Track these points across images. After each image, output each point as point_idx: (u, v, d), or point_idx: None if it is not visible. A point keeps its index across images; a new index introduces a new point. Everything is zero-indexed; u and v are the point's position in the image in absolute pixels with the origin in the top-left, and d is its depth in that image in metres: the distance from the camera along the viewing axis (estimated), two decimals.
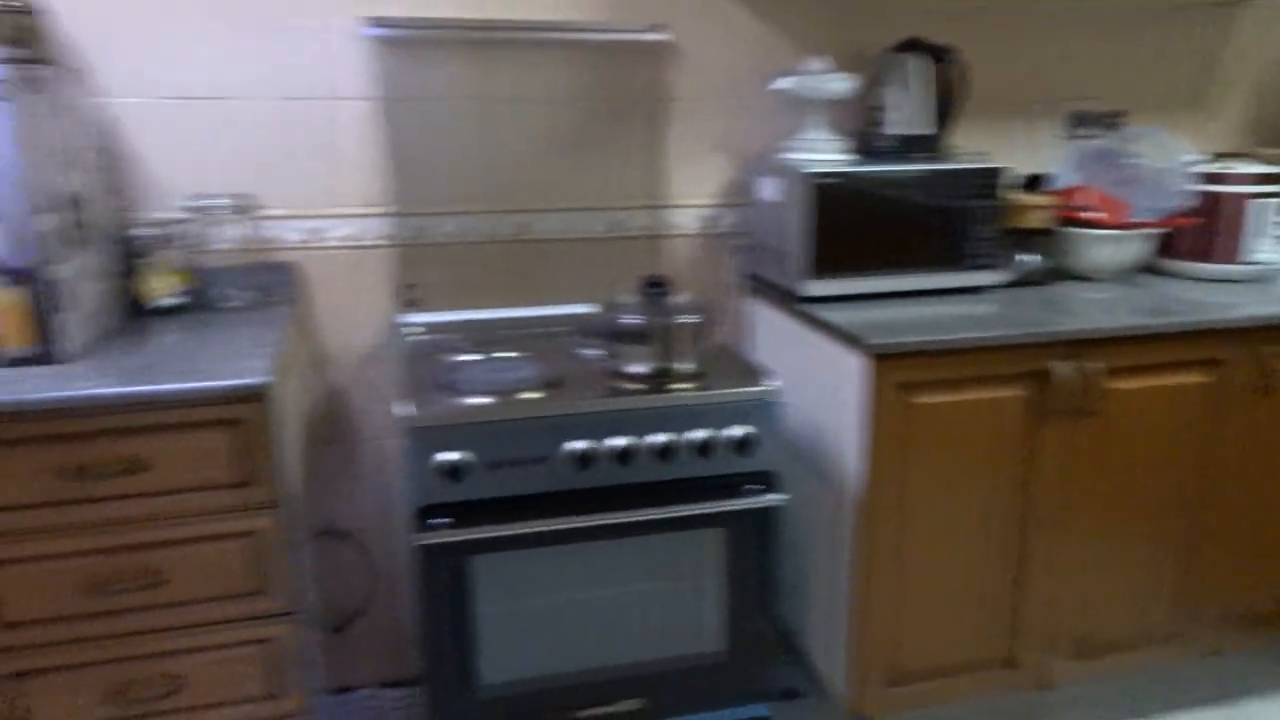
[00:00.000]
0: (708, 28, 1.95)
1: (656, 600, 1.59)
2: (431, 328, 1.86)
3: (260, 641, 1.43)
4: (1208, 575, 1.90)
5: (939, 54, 1.91)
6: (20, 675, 1.34)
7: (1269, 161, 2.03)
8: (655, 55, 1.93)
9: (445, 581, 1.46)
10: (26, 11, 1.39)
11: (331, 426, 1.92)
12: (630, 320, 1.51)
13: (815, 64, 1.84)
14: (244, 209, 1.71)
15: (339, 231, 1.84)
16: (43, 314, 1.36)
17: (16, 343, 1.36)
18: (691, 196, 2.02)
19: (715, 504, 1.54)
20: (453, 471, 1.42)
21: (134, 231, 1.67)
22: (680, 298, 1.57)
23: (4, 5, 1.34)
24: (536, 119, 1.89)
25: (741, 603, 1.63)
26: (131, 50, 1.67)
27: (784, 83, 1.86)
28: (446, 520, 1.43)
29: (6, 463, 1.26)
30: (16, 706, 1.34)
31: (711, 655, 1.64)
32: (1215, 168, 2.01)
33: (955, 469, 1.68)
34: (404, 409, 1.42)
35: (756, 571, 1.62)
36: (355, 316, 1.89)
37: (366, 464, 1.96)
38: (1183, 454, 1.80)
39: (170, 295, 1.69)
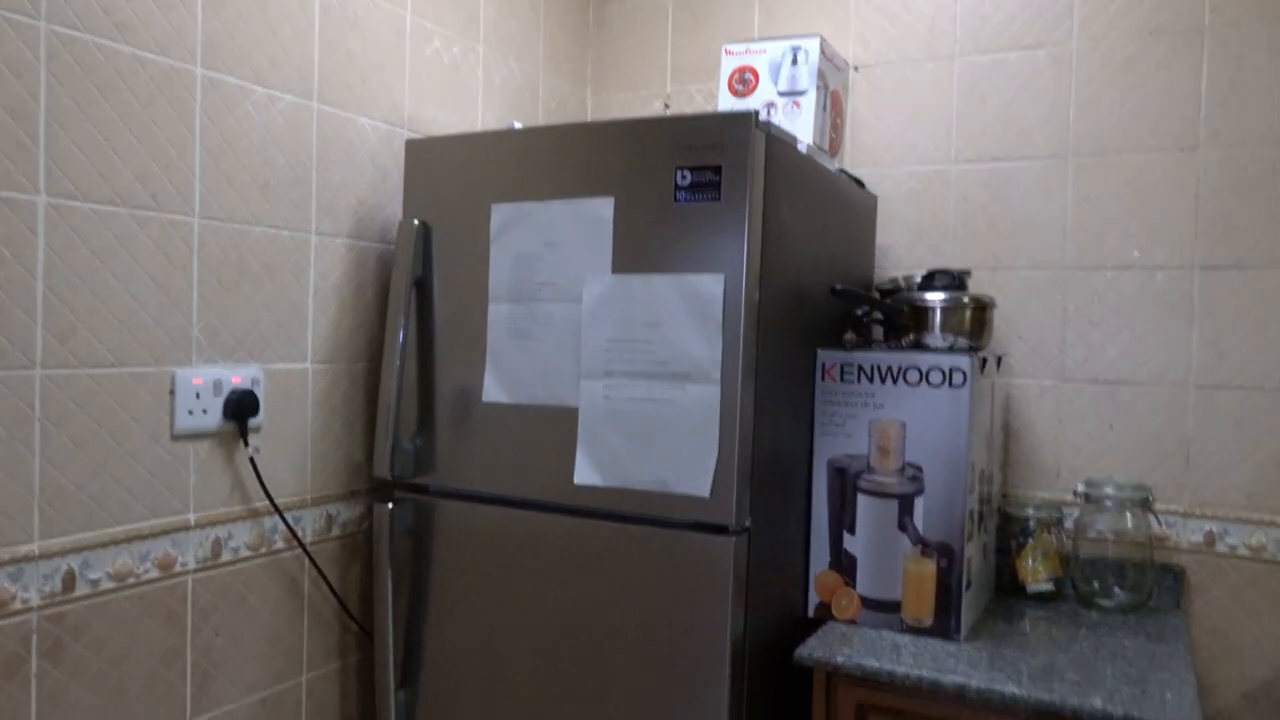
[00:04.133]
0: None
1: None
2: None
3: None
4: None
5: None
6: None
7: None
8: None
9: None
10: (987, 306, 1.52)
11: None
12: None
13: None
14: (1134, 500, 1.58)
15: (1242, 538, 1.58)
16: (948, 590, 1.40)
17: (918, 612, 1.42)
18: None
19: None
20: None
21: (1019, 511, 1.67)
22: None
23: (970, 300, 1.49)
24: None
25: None
26: (1044, 335, 1.73)
27: None
28: None
29: None
30: None
31: None
32: None
33: None
34: None
35: None
36: (1249, 643, 1.58)
37: None
38: None
39: (1044, 582, 1.63)
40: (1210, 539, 1.60)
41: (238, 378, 1.36)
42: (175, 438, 1.29)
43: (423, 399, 1.50)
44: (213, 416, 1.33)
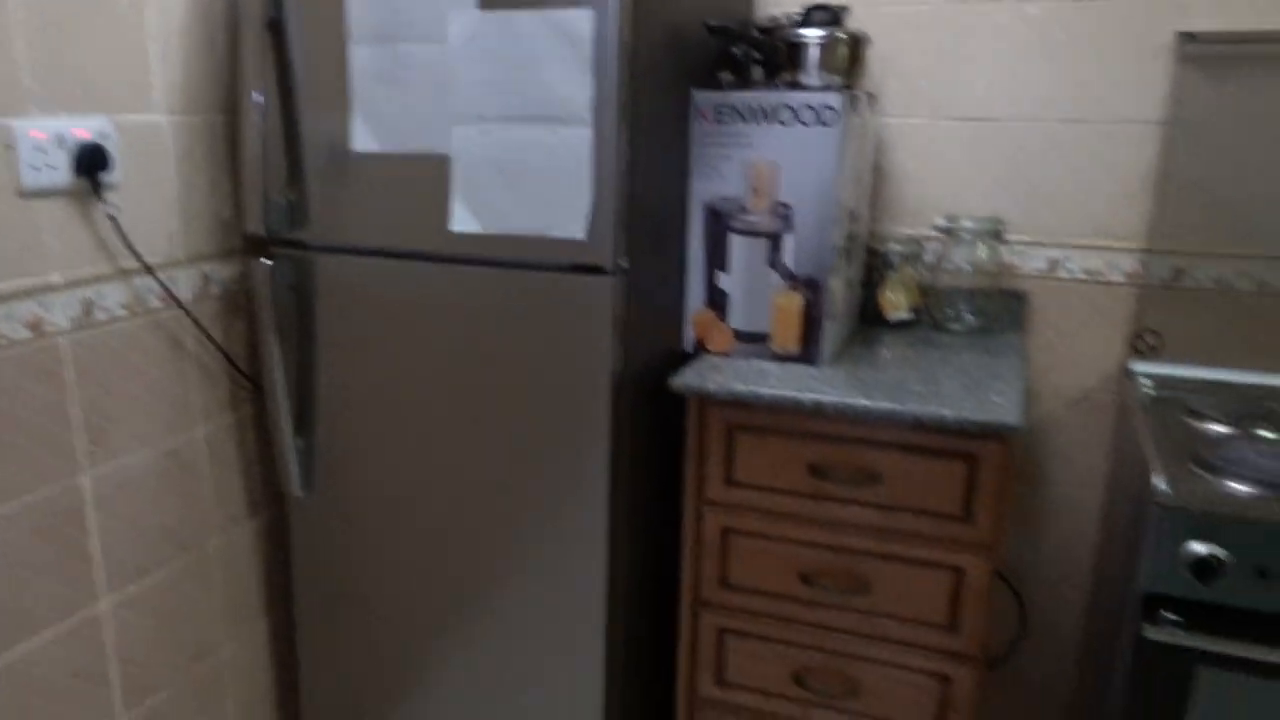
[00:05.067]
0: None
1: None
2: (1169, 382, 1.64)
3: (938, 677, 1.42)
4: None
5: None
6: (726, 631, 1.53)
7: None
8: None
9: (1163, 685, 1.28)
10: (861, 42, 1.52)
11: (1020, 462, 1.83)
12: None
13: None
14: (988, 232, 1.69)
15: (1079, 264, 1.72)
16: (811, 319, 1.50)
17: (786, 342, 1.53)
18: None
19: None
20: (1205, 568, 1.22)
21: (884, 245, 1.76)
22: None
23: (843, 35, 1.48)
24: None
25: None
26: (918, 73, 1.75)
27: None
28: (1178, 618, 1.25)
29: (765, 448, 1.43)
30: (721, 650, 1.54)
31: None
32: None
33: None
34: (1158, 481, 1.26)
35: None
36: (1076, 356, 1.76)
37: (1046, 509, 1.83)
38: None
39: (905, 310, 1.75)
40: (1053, 265, 1.74)
41: (83, 130, 1.28)
42: (23, 195, 1.22)
43: (290, 151, 1.45)
44: (62, 173, 1.26)
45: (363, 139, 1.40)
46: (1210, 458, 1.32)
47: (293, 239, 1.49)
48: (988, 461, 1.31)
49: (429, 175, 1.37)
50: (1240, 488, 1.24)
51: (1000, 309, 1.76)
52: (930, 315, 1.77)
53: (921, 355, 1.59)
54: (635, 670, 1.59)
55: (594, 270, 1.33)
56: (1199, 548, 1.22)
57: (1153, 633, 1.25)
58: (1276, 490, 1.23)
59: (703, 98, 1.50)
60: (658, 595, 1.64)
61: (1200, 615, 1.24)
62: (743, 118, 1.48)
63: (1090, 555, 1.83)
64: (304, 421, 1.56)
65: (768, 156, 1.48)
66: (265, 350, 1.50)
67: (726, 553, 1.49)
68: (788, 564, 1.46)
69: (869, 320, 1.80)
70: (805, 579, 1.45)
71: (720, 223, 1.53)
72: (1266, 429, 1.44)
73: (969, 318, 1.74)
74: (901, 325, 1.77)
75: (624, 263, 1.34)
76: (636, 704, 1.62)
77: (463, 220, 1.36)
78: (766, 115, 1.47)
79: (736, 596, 1.51)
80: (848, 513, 1.41)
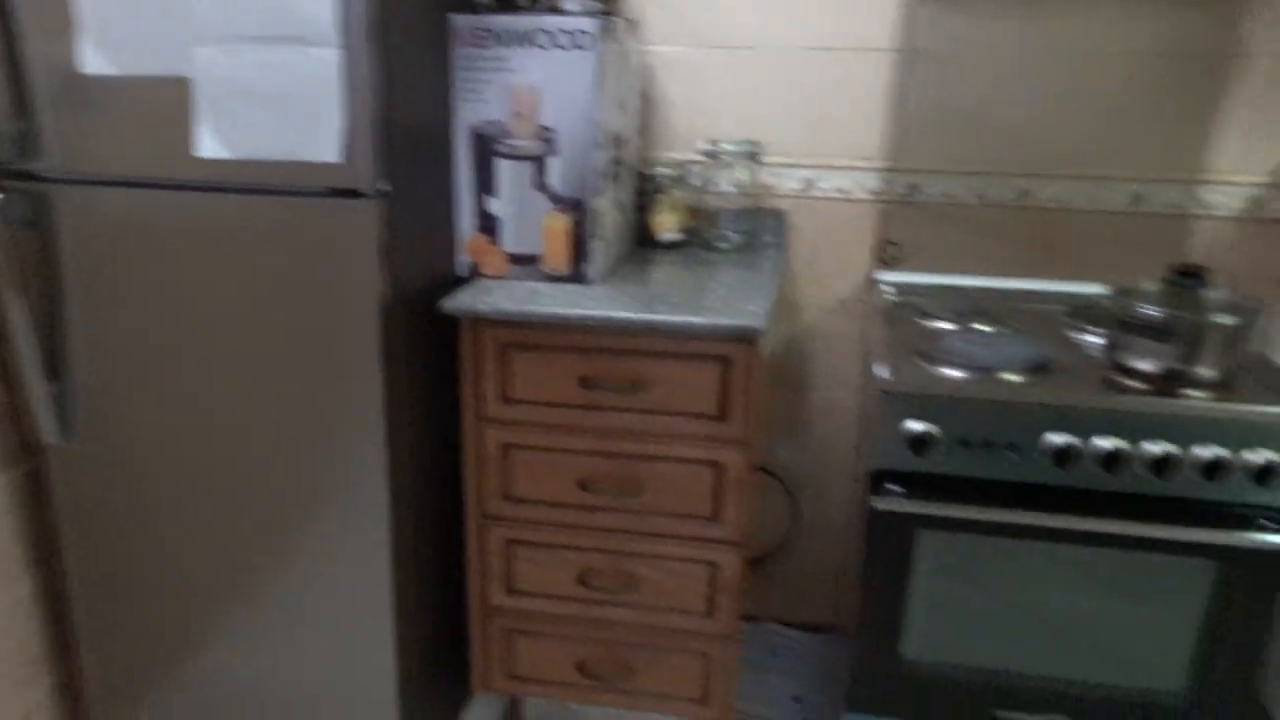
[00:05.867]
0: None
1: (1115, 621, 1.44)
2: (908, 289, 1.83)
3: (708, 563, 1.55)
4: None
5: None
6: (514, 542, 1.60)
7: None
8: (1233, 3, 1.64)
9: (892, 548, 1.45)
10: None
11: (785, 370, 1.99)
12: (1150, 311, 1.34)
13: None
14: (750, 155, 1.80)
15: (831, 183, 1.86)
16: (581, 240, 1.56)
17: (557, 262, 1.58)
18: (1240, 171, 1.72)
19: (1216, 534, 1.33)
20: (920, 442, 1.39)
21: (652, 170, 1.84)
22: (1217, 293, 1.35)
23: None
24: (1067, 77, 1.72)
25: (1219, 649, 1.41)
26: (679, 1, 1.81)
27: None
28: (902, 489, 1.42)
29: (540, 364, 1.49)
30: (509, 561, 1.61)
31: (1167, 696, 1.45)
32: None
33: None
34: (881, 370, 1.41)
35: (1249, 619, 1.38)
36: (830, 268, 1.92)
37: (810, 412, 2.01)
38: None
39: (674, 231, 1.85)
40: (808, 184, 1.87)
41: None
42: None
43: (12, 76, 1.35)
44: None
45: (94, 61, 1.32)
46: (930, 350, 1.49)
47: (25, 170, 1.39)
48: (739, 363, 1.43)
49: (170, 99, 1.32)
50: (951, 373, 1.42)
51: (763, 227, 1.89)
52: (699, 235, 1.88)
53: (689, 272, 1.69)
54: (427, 592, 1.64)
55: (352, 194, 1.33)
56: (915, 425, 1.39)
57: (880, 503, 1.41)
58: (981, 372, 1.41)
59: (461, 20, 1.51)
60: (449, 515, 1.68)
61: (919, 485, 1.41)
62: (502, 41, 1.50)
63: (852, 451, 2.02)
64: (58, 365, 1.48)
65: (529, 81, 1.51)
66: (3, 290, 1.41)
67: (509, 467, 1.55)
68: (566, 473, 1.54)
69: (643, 243, 1.88)
70: (583, 486, 1.54)
71: (486, 147, 1.56)
72: (983, 323, 1.64)
73: (734, 236, 1.85)
74: (673, 246, 1.87)
75: (385, 186, 1.34)
76: (430, 625, 1.67)
77: (209, 146, 1.32)
78: (524, 39, 1.50)
79: (521, 508, 1.57)
80: (619, 420, 1.49)
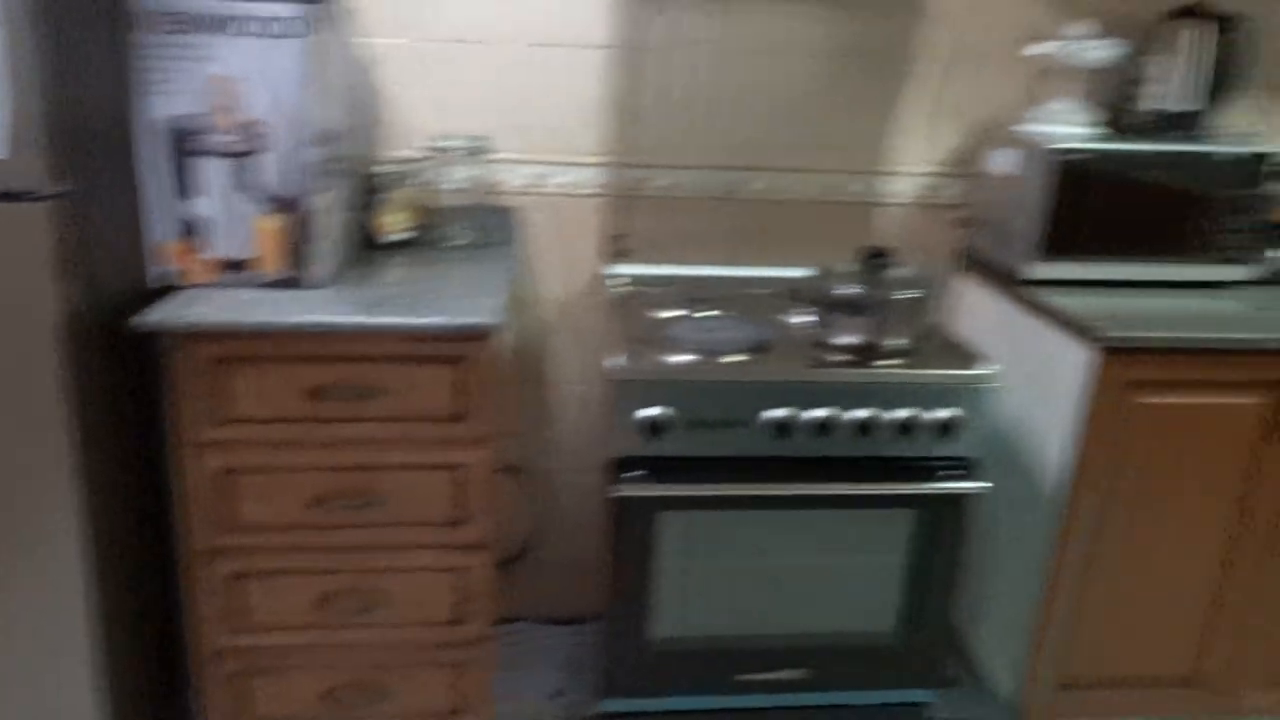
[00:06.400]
0: None
1: (835, 574, 1.58)
2: (638, 280, 1.89)
3: (456, 570, 1.52)
4: None
5: (1225, 22, 1.72)
6: (242, 575, 1.49)
7: None
8: (910, 12, 1.83)
9: (635, 532, 1.50)
10: None
11: (525, 366, 2.00)
12: (846, 290, 1.48)
13: (1077, 29, 1.70)
14: (477, 151, 1.78)
15: (559, 178, 1.89)
16: (298, 242, 1.48)
17: (273, 267, 1.49)
18: (915, 163, 1.94)
19: (911, 485, 1.50)
20: (654, 427, 1.44)
21: (376, 168, 1.78)
22: (901, 271, 1.52)
23: None
24: (772, 75, 1.85)
25: (922, 587, 1.59)
26: None
27: (1041, 48, 1.74)
28: (641, 473, 1.47)
29: (260, 379, 1.39)
30: (236, 596, 1.50)
31: (883, 636, 1.62)
32: None
33: (1171, 475, 1.56)
34: (612, 360, 1.45)
35: (943, 558, 1.57)
36: (565, 263, 1.95)
37: (551, 406, 2.03)
38: None
39: (401, 231, 1.79)
40: (536, 180, 1.89)
41: None
42: None
43: None
44: None
45: None
46: (659, 337, 1.55)
47: None
48: (474, 362, 1.41)
49: None
50: (679, 358, 1.48)
51: (493, 224, 1.87)
52: (428, 234, 1.83)
53: (420, 272, 1.65)
54: (143, 645, 1.48)
55: (22, 196, 1.17)
56: (648, 411, 1.44)
57: (621, 490, 1.45)
58: (706, 354, 1.49)
59: (147, 3, 1.37)
60: (173, 554, 1.53)
61: (657, 468, 1.47)
62: (199, 27, 1.38)
63: (590, 442, 2.06)
64: None
65: (231, 71, 1.40)
66: None
67: (232, 494, 1.44)
68: (298, 493, 1.45)
69: (369, 244, 1.81)
70: (317, 504, 1.46)
71: (185, 143, 1.43)
72: (707, 310, 1.73)
73: (464, 234, 1.83)
74: (402, 245, 1.81)
75: (62, 187, 1.20)
76: (150, 681, 1.51)
77: None
78: (223, 26, 1.38)
79: (248, 537, 1.46)
80: (352, 430, 1.43)
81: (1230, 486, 1.58)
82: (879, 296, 1.47)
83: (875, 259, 1.50)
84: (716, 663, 1.59)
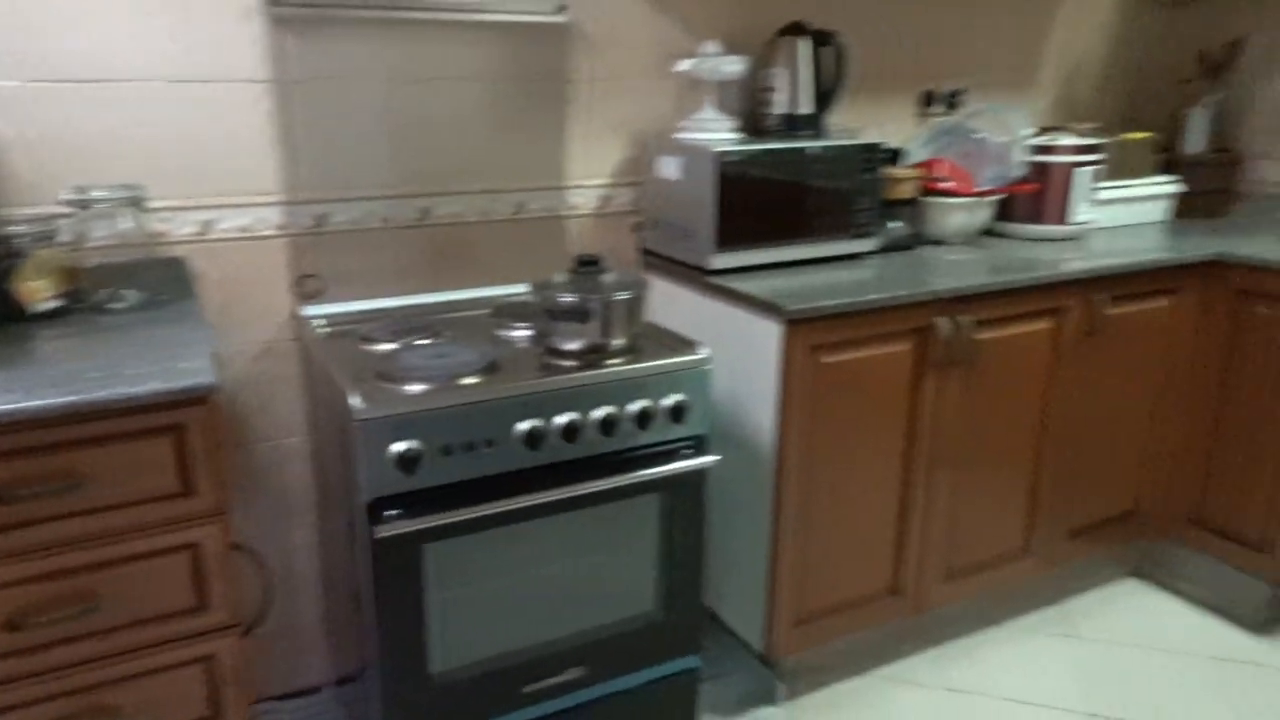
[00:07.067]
0: (609, 11, 1.99)
1: (598, 570, 1.65)
2: (336, 319, 1.81)
3: (203, 660, 1.36)
4: (1050, 498, 2.18)
5: (820, 37, 2.04)
6: None
7: (1083, 135, 2.32)
8: (559, 37, 1.94)
9: (400, 571, 1.45)
10: None
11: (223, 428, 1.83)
12: (567, 298, 1.55)
13: (710, 47, 1.93)
14: (131, 201, 1.59)
15: (232, 222, 1.75)
16: None
17: None
18: (589, 176, 2.06)
19: (653, 470, 1.61)
20: (407, 461, 1.41)
21: (6, 230, 1.51)
22: (612, 275, 1.62)
23: None
24: (438, 101, 1.86)
25: (674, 562, 1.71)
26: (4, 28, 1.51)
27: (684, 64, 1.94)
28: (399, 511, 1.42)
29: None
30: None
31: (646, 615, 1.72)
32: (1043, 140, 2.27)
33: (854, 419, 1.84)
34: (352, 400, 1.39)
35: (688, 530, 1.70)
36: (248, 312, 1.80)
37: (259, 466, 1.88)
38: (1031, 392, 2.06)
39: (51, 299, 1.55)
40: (206, 227, 1.73)
41: None
42: None
43: None
44: None
45: None
46: (387, 371, 1.50)
47: None
48: (195, 427, 1.27)
49: None
50: (415, 388, 1.45)
51: (163, 279, 1.68)
52: (85, 299, 1.60)
53: (87, 341, 1.43)
54: None
55: None
56: (398, 446, 1.40)
57: (382, 531, 1.40)
58: (439, 381, 1.47)
59: None
60: None
61: (415, 503, 1.43)
62: None
63: (313, 495, 1.93)
64: None
65: None
66: None
67: None
68: None
69: (12, 319, 1.53)
70: (17, 627, 1.22)
71: None
72: (422, 337, 1.70)
73: (131, 293, 1.62)
74: (55, 315, 1.56)
75: None
76: None
77: None
78: None
79: None
80: (60, 530, 1.22)
81: (898, 420, 1.90)
82: (597, 301, 1.55)
83: (587, 266, 1.59)
84: (502, 681, 1.59)
